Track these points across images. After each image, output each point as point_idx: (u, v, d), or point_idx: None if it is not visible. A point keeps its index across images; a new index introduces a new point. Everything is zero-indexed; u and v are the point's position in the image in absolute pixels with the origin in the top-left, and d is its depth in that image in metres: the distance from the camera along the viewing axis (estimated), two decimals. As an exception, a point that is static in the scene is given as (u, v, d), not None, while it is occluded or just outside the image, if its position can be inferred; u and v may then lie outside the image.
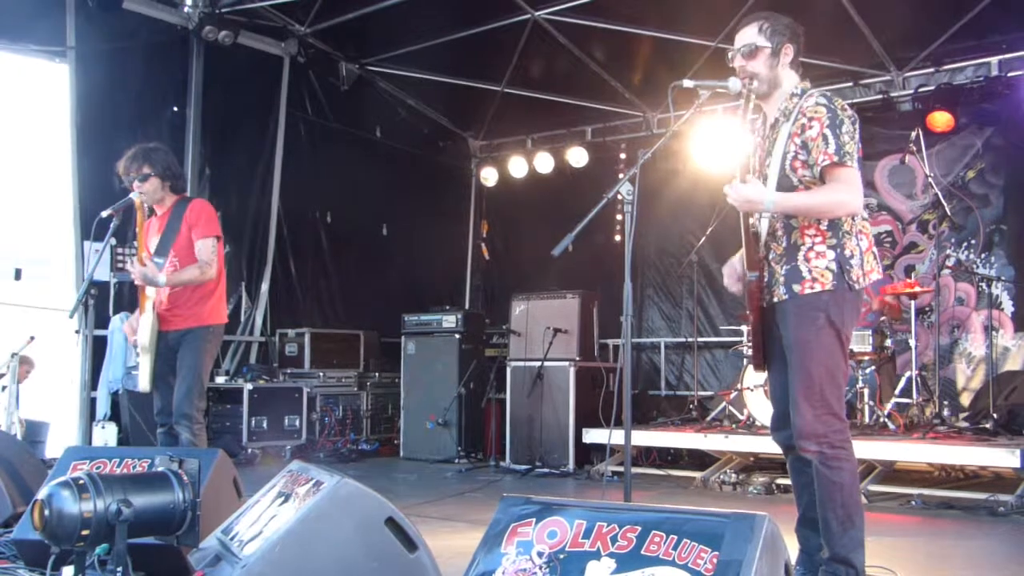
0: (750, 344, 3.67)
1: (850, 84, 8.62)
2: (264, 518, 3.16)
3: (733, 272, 3.73)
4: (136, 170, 5.16)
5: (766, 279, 3.46)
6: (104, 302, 7.30)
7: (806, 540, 3.54)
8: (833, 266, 3.35)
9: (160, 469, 3.44)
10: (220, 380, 8.50)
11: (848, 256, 3.36)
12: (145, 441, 6.96)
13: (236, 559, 2.98)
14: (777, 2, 7.67)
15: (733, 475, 7.03)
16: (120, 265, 7.47)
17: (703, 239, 8.60)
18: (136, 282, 5.07)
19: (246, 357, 9.06)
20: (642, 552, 2.32)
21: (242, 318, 9.07)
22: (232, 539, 3.18)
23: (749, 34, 3.52)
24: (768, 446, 6.87)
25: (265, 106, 9.37)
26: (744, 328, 8.01)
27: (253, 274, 9.17)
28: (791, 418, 3.37)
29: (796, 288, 3.37)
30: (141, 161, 5.19)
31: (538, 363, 7.92)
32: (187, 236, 5.12)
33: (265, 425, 8.25)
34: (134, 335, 5.12)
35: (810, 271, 3.36)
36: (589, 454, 7.72)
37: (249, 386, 8.23)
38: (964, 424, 7.08)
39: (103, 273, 7.36)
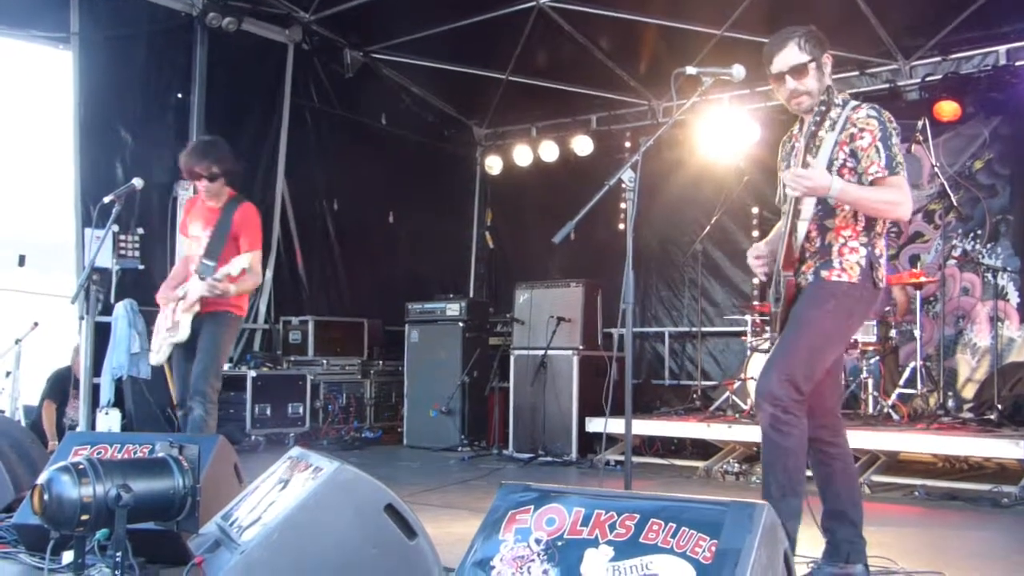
0: (767, 336, 3.72)
1: (856, 73, 8.58)
2: (263, 504, 3.16)
3: (760, 256, 3.74)
4: (206, 168, 5.19)
5: (796, 277, 3.54)
6: (107, 289, 7.30)
7: (833, 534, 3.56)
8: (863, 262, 3.46)
9: (160, 455, 3.44)
10: (224, 367, 8.49)
11: (877, 255, 3.49)
12: (149, 427, 6.99)
13: (235, 545, 2.98)
14: (784, -9, 7.66)
15: (736, 465, 7.03)
16: (122, 252, 7.47)
17: (707, 228, 8.59)
18: (203, 294, 5.07)
19: (250, 345, 9.07)
20: (640, 540, 2.31)
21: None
22: (232, 525, 3.18)
23: (790, 54, 3.52)
24: (771, 436, 6.88)
25: (269, 93, 9.34)
26: (748, 318, 7.99)
27: (257, 261, 9.15)
28: (759, 379, 3.46)
29: (824, 274, 3.48)
30: (212, 159, 5.22)
31: (541, 352, 7.91)
32: (235, 244, 5.16)
33: (268, 412, 8.26)
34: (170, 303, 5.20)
35: (840, 263, 3.47)
36: (592, 443, 7.71)
37: (253, 373, 8.24)
38: (968, 415, 7.06)
39: (105, 260, 7.36)
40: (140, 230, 7.75)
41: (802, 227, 3.49)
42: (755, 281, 9.47)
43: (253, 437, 8.12)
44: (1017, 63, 7.91)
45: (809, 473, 3.49)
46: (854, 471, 3.67)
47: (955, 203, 7.72)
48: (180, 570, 3.15)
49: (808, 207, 3.47)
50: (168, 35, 8.38)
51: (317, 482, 3.00)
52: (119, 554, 3.07)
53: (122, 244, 7.54)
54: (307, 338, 8.99)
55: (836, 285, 3.45)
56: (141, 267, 7.76)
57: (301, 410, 8.54)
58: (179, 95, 8.55)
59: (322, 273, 9.81)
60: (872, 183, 3.38)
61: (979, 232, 8.19)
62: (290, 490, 3.11)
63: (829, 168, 3.40)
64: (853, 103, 3.49)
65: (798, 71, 3.51)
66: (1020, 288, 8.00)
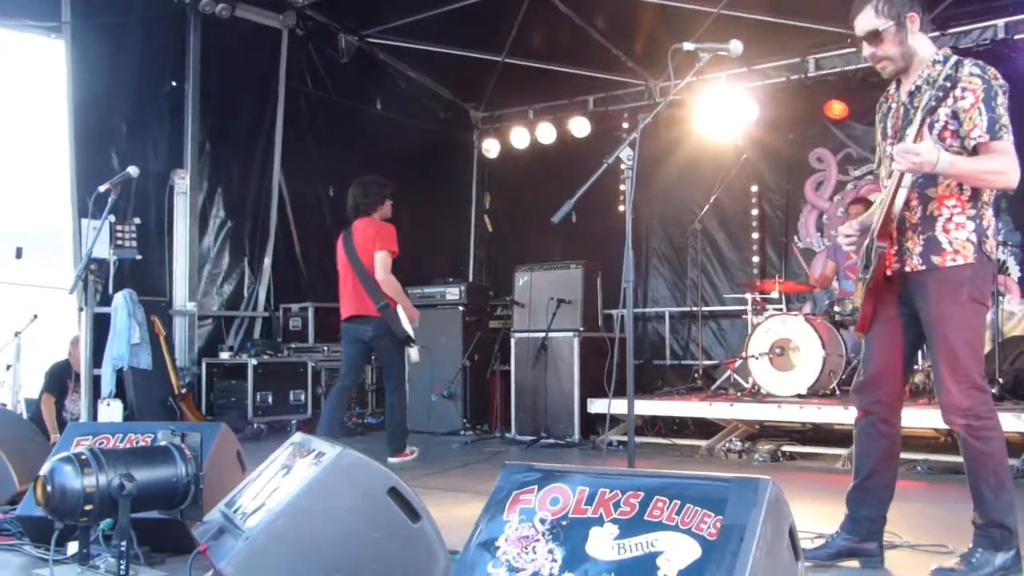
0: (852, 306, 3.62)
1: (853, 49, 8.52)
2: (267, 491, 3.15)
3: (851, 234, 3.60)
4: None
5: (895, 248, 3.39)
6: (105, 279, 7.29)
7: (858, 507, 3.56)
8: (974, 238, 3.31)
9: (163, 443, 3.45)
10: (224, 356, 8.51)
11: (986, 227, 3.34)
12: (151, 417, 6.99)
13: (239, 531, 2.98)
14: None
15: (739, 443, 7.03)
16: (119, 242, 7.45)
17: (707, 207, 8.57)
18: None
19: (250, 333, 9.07)
20: (645, 518, 2.30)
21: (245, 294, 9.07)
22: (235, 512, 3.18)
23: (867, 19, 3.39)
24: (773, 414, 6.90)
25: (264, 80, 9.31)
26: (749, 296, 7.98)
27: (255, 249, 9.16)
28: (936, 394, 3.38)
29: (936, 260, 3.32)
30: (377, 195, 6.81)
31: (542, 334, 7.90)
32: None
33: (270, 400, 8.27)
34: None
35: (951, 243, 3.32)
36: (594, 424, 7.72)
37: (253, 361, 8.24)
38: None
39: (102, 250, 7.34)
40: (137, 219, 7.73)
41: (902, 195, 3.31)
42: (755, 260, 9.48)
43: (255, 425, 8.12)
44: (1016, 36, 7.87)
45: (831, 451, 3.47)
46: (898, 454, 3.64)
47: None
48: (185, 558, 3.16)
49: (909, 175, 3.28)
50: (161, 22, 8.34)
51: (320, 467, 3.00)
52: (123, 543, 3.07)
53: (119, 234, 7.52)
54: (307, 325, 8.99)
55: (957, 271, 3.29)
56: (139, 257, 7.75)
57: (303, 397, 8.55)
58: (173, 83, 8.52)
59: (321, 259, 9.73)
60: (975, 148, 3.24)
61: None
62: (293, 476, 3.11)
63: (929, 132, 3.23)
64: (954, 59, 3.29)
65: (875, 37, 3.37)
66: (1021, 262, 8.01)
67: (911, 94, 3.41)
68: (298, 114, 9.55)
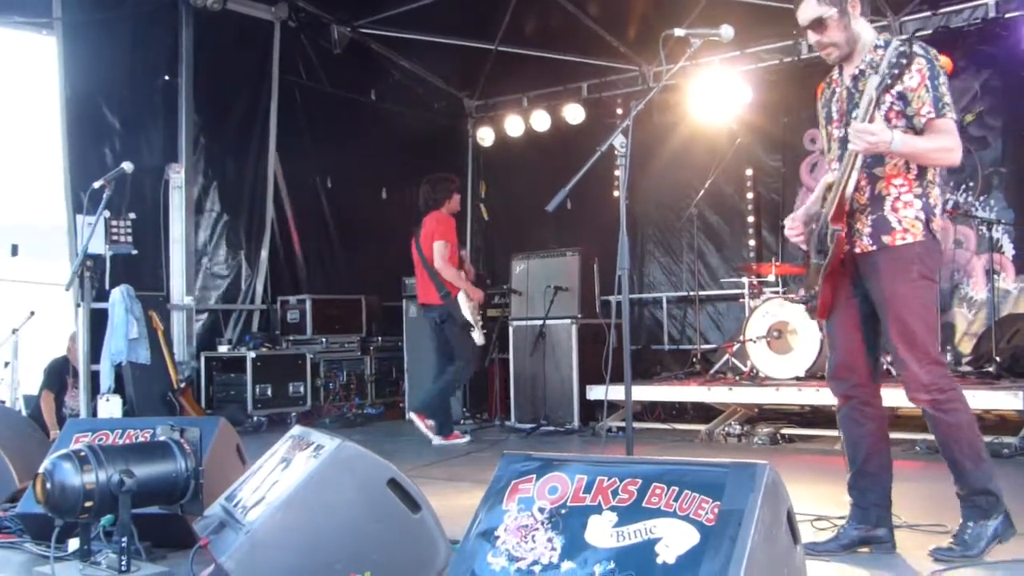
0: (807, 292, 3.63)
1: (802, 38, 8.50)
2: (267, 484, 3.15)
3: (798, 225, 3.62)
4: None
5: (846, 230, 3.40)
6: (101, 275, 7.27)
7: (862, 495, 3.56)
8: (922, 215, 3.35)
9: (162, 439, 3.45)
10: (223, 349, 8.51)
11: (932, 205, 3.38)
12: (150, 412, 6.99)
13: (240, 525, 2.98)
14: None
15: (738, 427, 7.04)
16: (115, 237, 7.44)
17: (702, 192, 8.55)
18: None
19: (248, 325, 9.05)
20: (643, 505, 2.30)
21: (242, 286, 9.05)
22: (236, 506, 3.18)
23: (810, 6, 3.41)
24: (772, 397, 6.91)
25: (258, 72, 9.27)
26: (745, 280, 7.97)
27: (252, 242, 9.13)
28: (896, 372, 3.42)
29: (886, 239, 3.36)
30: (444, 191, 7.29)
31: (540, 322, 7.90)
32: None
33: (270, 393, 8.27)
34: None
35: (900, 221, 3.35)
36: (594, 411, 7.72)
37: (252, 354, 8.23)
38: (967, 368, 7.07)
39: (98, 246, 7.32)
40: (132, 215, 7.71)
41: (854, 177, 3.34)
42: (751, 243, 9.47)
43: (255, 418, 8.13)
44: (1006, 15, 7.84)
45: (831, 433, 3.47)
46: (887, 433, 3.64)
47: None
48: (186, 553, 3.16)
49: (860, 156, 3.31)
50: (153, 17, 8.29)
51: (319, 460, 3.00)
52: (124, 539, 3.08)
53: (114, 229, 7.50)
54: (305, 317, 8.96)
55: (908, 249, 3.33)
56: (134, 252, 7.73)
57: (302, 389, 8.55)
58: (166, 77, 8.49)
59: (318, 251, 9.78)
60: (924, 126, 3.28)
61: (971, 184, 8.17)
62: (293, 469, 3.11)
63: (871, 112, 3.25)
64: (896, 42, 3.31)
65: (819, 24, 3.39)
66: (1015, 240, 7.99)
67: (855, 78, 3.45)
68: (292, 106, 9.51)
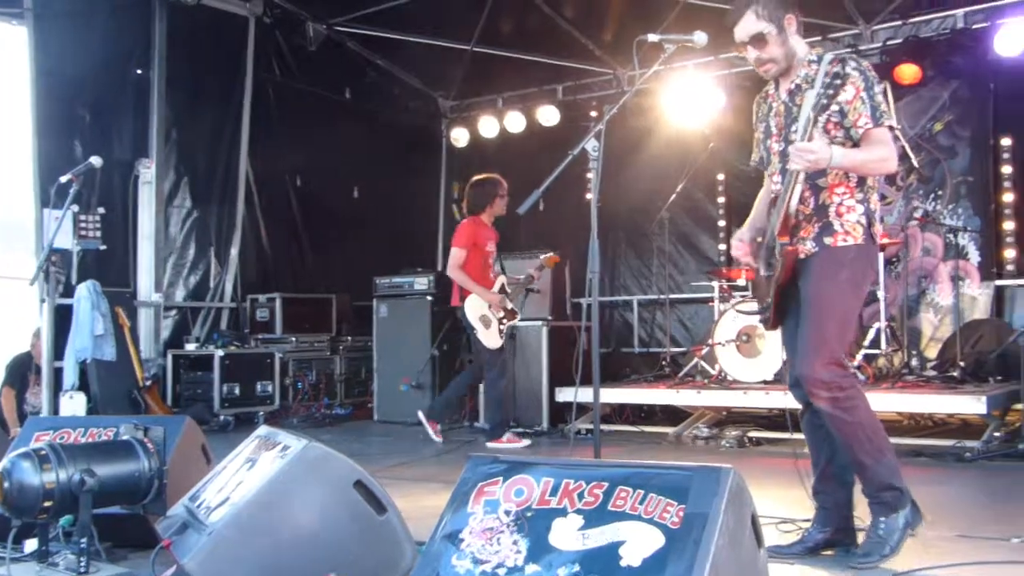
0: (760, 304, 3.66)
1: (819, 38, 8.57)
2: (231, 484, 3.11)
3: (744, 244, 3.66)
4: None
5: (793, 242, 3.44)
6: (67, 270, 7.17)
7: (826, 497, 3.57)
8: (863, 220, 3.40)
9: (125, 438, 3.40)
10: (190, 347, 8.42)
11: (873, 210, 3.44)
12: (115, 410, 6.90)
13: (203, 526, 2.94)
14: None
15: (706, 430, 7.07)
16: (83, 232, 7.34)
17: (674, 195, 8.56)
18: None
19: (217, 323, 8.98)
20: (609, 508, 2.30)
21: (211, 284, 8.98)
22: (199, 506, 3.14)
23: (748, 23, 3.45)
24: (740, 400, 6.94)
25: (231, 68, 9.21)
26: (716, 284, 8.00)
27: (222, 239, 9.07)
28: (797, 367, 3.42)
29: (828, 240, 3.40)
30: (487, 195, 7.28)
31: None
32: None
33: (237, 392, 8.20)
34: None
35: (842, 224, 3.40)
36: (563, 413, 7.72)
37: (220, 352, 8.16)
38: (932, 373, 7.14)
39: (65, 240, 7.22)
40: (101, 209, 7.61)
41: (797, 191, 3.38)
42: (721, 247, 9.52)
43: (222, 417, 8.06)
44: (974, 26, 7.95)
45: (798, 436, 3.49)
46: None
47: (916, 165, 7.76)
48: (148, 553, 3.12)
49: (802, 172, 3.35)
50: (126, 9, 8.23)
51: (285, 461, 2.97)
52: (84, 540, 3.03)
53: (82, 224, 7.39)
54: (275, 315, 8.90)
55: (843, 251, 3.37)
56: (102, 247, 7.63)
57: (270, 388, 8.50)
58: (138, 71, 8.42)
59: (288, 250, 9.71)
60: (861, 136, 3.33)
61: (940, 193, 8.26)
62: (258, 469, 3.07)
63: (809, 130, 3.30)
64: (829, 56, 3.39)
65: (758, 40, 3.44)
66: (980, 247, 8.10)
67: (791, 93, 3.50)
68: (266, 103, 9.45)
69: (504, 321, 7.12)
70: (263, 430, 3.40)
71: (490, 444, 6.98)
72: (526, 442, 7.07)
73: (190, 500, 3.25)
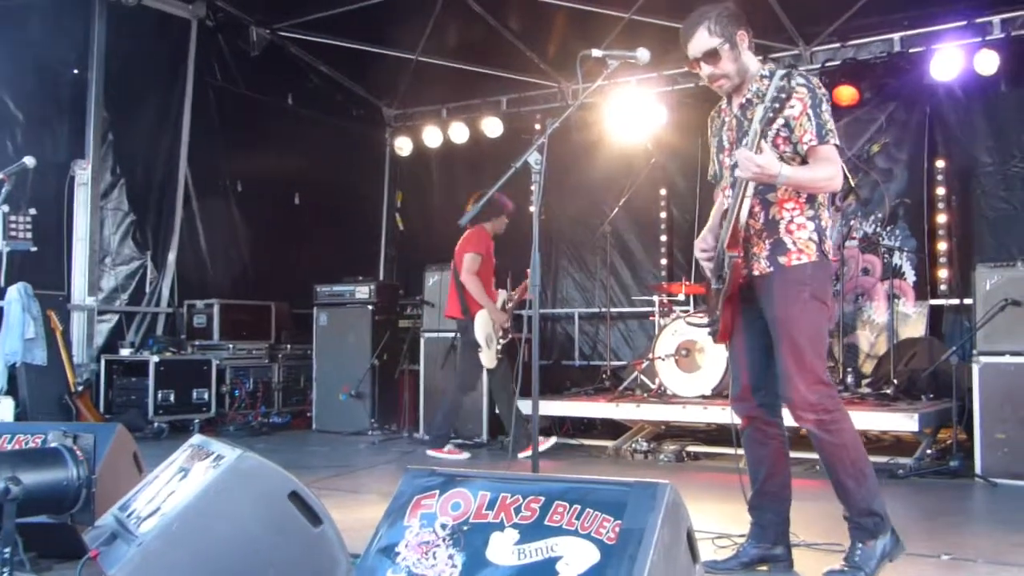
0: (709, 317, 3.69)
1: (760, 58, 8.61)
2: (163, 494, 3.06)
3: (706, 248, 3.67)
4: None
5: (743, 256, 3.46)
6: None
7: (761, 514, 3.62)
8: (815, 236, 3.44)
9: (53, 445, 3.31)
10: (125, 352, 8.26)
11: (824, 227, 3.47)
12: (45, 416, 6.74)
13: (132, 536, 2.88)
14: (689, -26, 7.72)
15: (644, 443, 7.12)
16: (13, 233, 7.15)
17: (616, 209, 8.64)
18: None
19: (152, 329, 8.81)
20: (545, 522, 2.30)
21: (147, 289, 8.81)
22: (129, 516, 3.08)
23: (701, 39, 3.48)
24: (678, 414, 7.00)
25: (172, 70, 9.09)
26: (656, 299, 8.07)
27: (159, 243, 8.92)
28: (782, 392, 3.43)
29: (782, 260, 3.43)
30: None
31: (452, 334, 7.86)
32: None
33: (172, 399, 8.08)
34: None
35: (794, 242, 3.43)
36: (503, 425, 7.71)
37: (155, 358, 8.04)
38: (867, 390, 7.28)
39: (-6, 241, 7.04)
40: (32, 210, 7.41)
41: (747, 204, 3.41)
42: (663, 262, 9.61)
43: (156, 424, 7.92)
44: (911, 50, 8.15)
45: (734, 451, 3.52)
46: (787, 453, 3.70)
47: (854, 186, 7.93)
48: (74, 564, 3.04)
49: (751, 184, 3.38)
50: (64, 7, 8.06)
51: (218, 471, 2.92)
52: (8, 550, 2.95)
53: (12, 225, 7.19)
54: (212, 322, 8.79)
55: (800, 270, 3.40)
56: (33, 248, 7.42)
57: (206, 396, 8.38)
58: (75, 71, 8.26)
59: (227, 255, 9.57)
60: (807, 153, 3.37)
61: (879, 215, 8.45)
62: (190, 479, 3.02)
63: (756, 142, 3.32)
64: (780, 72, 3.40)
65: (711, 56, 3.47)
66: (916, 267, 8.29)
67: (743, 107, 3.56)
68: (206, 106, 9.33)
69: (501, 341, 7.09)
70: (197, 439, 3.35)
71: (431, 453, 6.94)
72: (466, 455, 7.05)
73: (120, 510, 3.18)
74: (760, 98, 3.41)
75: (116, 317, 8.57)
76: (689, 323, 7.32)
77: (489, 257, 7.10)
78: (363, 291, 8.86)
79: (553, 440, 7.17)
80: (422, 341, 8.27)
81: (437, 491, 2.49)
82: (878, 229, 8.43)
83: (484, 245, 7.06)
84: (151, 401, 7.93)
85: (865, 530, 3.41)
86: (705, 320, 3.83)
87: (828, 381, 3.41)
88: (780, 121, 3.37)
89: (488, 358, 7.00)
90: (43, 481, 3.15)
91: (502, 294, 7.29)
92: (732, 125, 3.61)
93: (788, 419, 3.64)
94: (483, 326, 6.98)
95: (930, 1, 7.84)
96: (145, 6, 8.45)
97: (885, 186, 8.42)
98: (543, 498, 2.35)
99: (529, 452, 6.61)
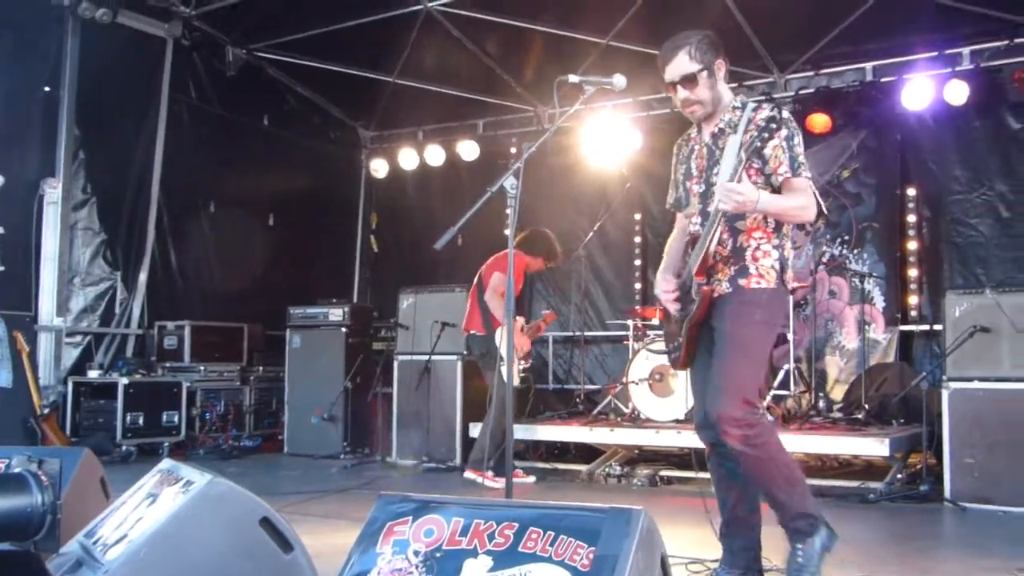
0: (669, 344, 3.70)
1: (735, 85, 8.76)
2: (130, 520, 3.01)
3: (668, 289, 3.67)
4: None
5: (707, 280, 3.49)
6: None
7: (732, 540, 3.61)
8: (777, 265, 3.48)
9: (17, 470, 3.25)
10: (93, 374, 8.16)
11: (786, 257, 3.52)
12: (9, 439, 6.63)
13: (98, 564, 2.83)
14: (665, 3, 7.84)
15: (618, 468, 7.12)
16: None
17: (591, 234, 8.67)
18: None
19: (122, 350, 8.72)
20: (519, 549, 2.29)
21: (117, 310, 8.72)
22: (95, 543, 3.02)
23: (680, 64, 3.51)
24: (652, 439, 7.00)
25: (146, 89, 9.05)
26: (631, 323, 8.09)
27: (130, 263, 8.84)
28: (708, 405, 3.44)
29: (742, 282, 3.46)
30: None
31: (425, 357, 7.84)
32: None
33: (141, 421, 8.00)
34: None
35: (757, 268, 3.47)
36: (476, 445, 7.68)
37: (124, 380, 7.96)
38: (838, 415, 7.33)
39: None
40: (0, 229, 7.36)
41: (717, 233, 3.44)
42: (638, 286, 9.65)
43: (124, 447, 7.83)
44: (882, 80, 8.30)
45: (707, 475, 3.52)
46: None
47: (824, 210, 8.01)
48: (38, 592, 2.98)
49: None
50: (37, 24, 8.02)
51: (187, 496, 2.87)
52: (-32, 577, 2.88)
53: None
54: (183, 343, 8.70)
55: (758, 293, 3.45)
56: (1, 268, 7.36)
57: (176, 418, 8.30)
58: (47, 88, 8.19)
59: (199, 276, 9.50)
60: (781, 184, 3.41)
61: (846, 238, 8.54)
62: (159, 505, 2.97)
63: (740, 172, 3.35)
64: (752, 104, 3.48)
65: (689, 80, 3.50)
66: (884, 292, 8.37)
67: (714, 136, 3.59)
68: (180, 126, 9.29)
69: (522, 362, 7.06)
70: (166, 463, 3.30)
71: (467, 475, 6.82)
72: (499, 484, 6.53)
73: (86, 537, 3.12)
74: (732, 128, 3.45)
75: (85, 338, 8.46)
76: (650, 351, 7.32)
77: (515, 283, 6.88)
78: (337, 313, 8.83)
79: (500, 485, 6.53)
80: (396, 364, 8.23)
81: (410, 517, 2.47)
82: (845, 251, 8.52)
83: (517, 271, 6.90)
84: (119, 424, 7.83)
85: (801, 532, 3.43)
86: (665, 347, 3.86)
87: (755, 403, 3.41)
88: (752, 152, 3.38)
89: (512, 375, 6.73)
90: (6, 507, 3.09)
91: (520, 319, 7.20)
92: (702, 154, 3.63)
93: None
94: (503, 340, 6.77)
95: (902, 32, 7.98)
96: (120, 24, 8.42)
97: (854, 210, 8.53)
98: (517, 524, 2.34)
99: (478, 476, 6.57)
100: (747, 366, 3.42)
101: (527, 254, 6.99)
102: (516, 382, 6.92)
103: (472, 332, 7.06)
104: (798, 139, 3.44)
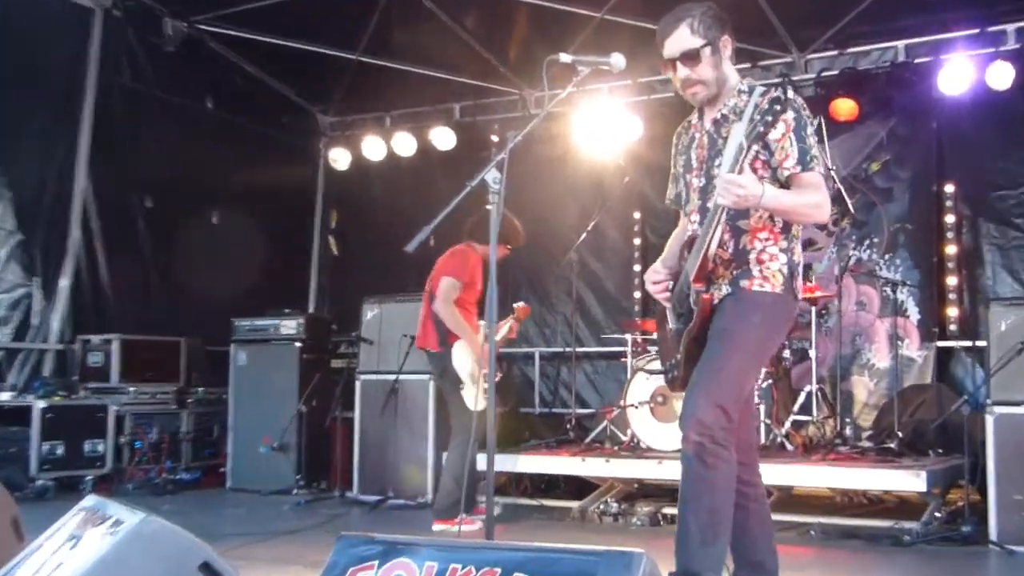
0: (665, 362, 3.71)
1: (748, 65, 8.86)
2: (49, 566, 2.99)
3: (659, 280, 3.71)
4: None
5: (707, 288, 3.50)
6: None
7: None
8: (785, 270, 3.49)
9: (-83, 507, 3.22)
10: (4, 396, 8.10)
11: (796, 262, 3.53)
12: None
13: (10, 618, 2.80)
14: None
15: (615, 504, 7.10)
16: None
17: (584, 234, 8.67)
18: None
19: (38, 369, 8.67)
20: (502, 598, 2.28)
21: (33, 321, 8.68)
22: (7, 593, 3.00)
23: (681, 38, 3.52)
24: (654, 471, 7.00)
25: (70, 68, 9.04)
26: (629, 337, 8.10)
27: (50, 268, 8.81)
28: (685, 403, 3.42)
29: (744, 284, 3.48)
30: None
31: (393, 376, 7.83)
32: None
33: (61, 451, 7.96)
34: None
35: (761, 271, 3.49)
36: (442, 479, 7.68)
37: (41, 404, 7.93)
38: (867, 444, 7.34)
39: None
40: None
41: (718, 232, 3.45)
42: (637, 295, 9.67)
43: (40, 482, 7.80)
44: (916, 60, 8.34)
45: (676, 510, 3.50)
46: (769, 514, 3.72)
47: (851, 208, 8.05)
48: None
49: (726, 210, 3.39)
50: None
51: (116, 538, 2.86)
52: None
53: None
54: (111, 360, 8.67)
55: (760, 296, 3.46)
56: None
57: (101, 448, 8.27)
58: (-49, 68, 8.15)
59: (130, 283, 9.46)
60: (788, 179, 3.42)
61: (875, 240, 8.56)
62: (83, 549, 2.96)
63: (741, 162, 3.35)
64: (760, 89, 3.47)
65: (690, 57, 3.51)
66: (920, 303, 8.39)
67: (716, 123, 3.61)
68: (111, 110, 9.26)
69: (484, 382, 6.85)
70: (90, 500, 3.29)
71: (437, 527, 6.54)
72: (478, 525, 6.31)
73: (-5, 585, 3.10)
74: (737, 115, 3.47)
75: (-5, 354, 8.44)
76: (645, 371, 7.33)
77: (473, 284, 6.77)
78: (289, 326, 8.84)
79: (480, 525, 6.24)
80: (358, 384, 8.21)
81: (376, 562, 2.47)
82: (874, 256, 8.54)
83: (468, 270, 6.70)
84: (35, 454, 7.81)
85: None
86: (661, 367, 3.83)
87: (730, 412, 3.36)
88: (758, 142, 3.38)
89: (471, 397, 6.60)
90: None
91: (483, 327, 6.94)
92: (703, 143, 3.65)
93: (775, 477, 3.66)
94: (462, 359, 6.66)
95: (939, 6, 8.01)
96: (39, -8, 8.41)
97: (883, 207, 8.54)
98: (499, 569, 2.33)
99: (452, 525, 6.30)
100: (732, 368, 3.42)
101: (479, 243, 6.78)
102: (477, 405, 6.62)
103: (426, 349, 6.88)
104: (811, 130, 3.46)
